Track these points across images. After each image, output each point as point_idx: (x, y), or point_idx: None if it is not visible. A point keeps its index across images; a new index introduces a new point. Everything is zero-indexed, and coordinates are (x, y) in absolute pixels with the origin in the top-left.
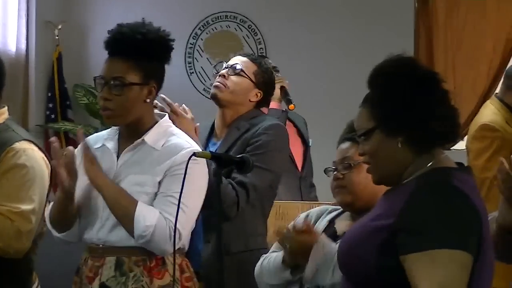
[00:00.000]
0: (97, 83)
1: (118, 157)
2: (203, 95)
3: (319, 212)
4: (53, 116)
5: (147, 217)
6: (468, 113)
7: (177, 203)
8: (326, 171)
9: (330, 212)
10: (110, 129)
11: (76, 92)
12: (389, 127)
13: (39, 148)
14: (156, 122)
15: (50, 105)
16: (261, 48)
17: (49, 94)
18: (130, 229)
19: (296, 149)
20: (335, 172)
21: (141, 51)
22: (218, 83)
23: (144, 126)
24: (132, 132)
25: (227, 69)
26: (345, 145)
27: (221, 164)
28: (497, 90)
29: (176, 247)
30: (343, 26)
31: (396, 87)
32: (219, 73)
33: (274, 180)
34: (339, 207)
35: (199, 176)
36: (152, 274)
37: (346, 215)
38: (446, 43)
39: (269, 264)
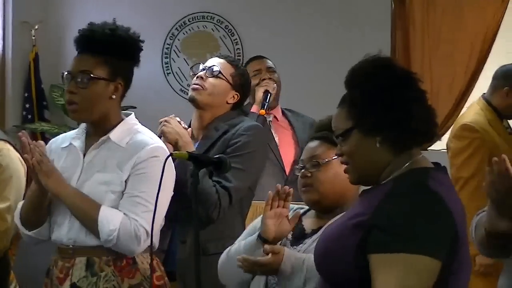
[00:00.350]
0: (65, 79)
1: (84, 155)
2: (180, 96)
3: None
4: (29, 116)
5: (110, 220)
6: (445, 113)
7: (143, 202)
8: (294, 169)
9: (296, 210)
10: (78, 128)
11: (53, 93)
12: (367, 127)
13: (15, 148)
14: (122, 120)
15: (27, 106)
16: (238, 48)
17: (26, 95)
18: (96, 234)
19: (287, 152)
20: (302, 170)
21: (109, 47)
22: (196, 85)
23: (110, 124)
24: (98, 129)
25: (204, 71)
26: (313, 143)
27: (199, 165)
28: (482, 91)
29: (144, 246)
30: (320, 27)
31: (373, 87)
32: (197, 75)
33: (253, 181)
34: (305, 206)
35: (166, 175)
36: (123, 273)
37: (312, 212)
38: (423, 44)
39: (240, 247)
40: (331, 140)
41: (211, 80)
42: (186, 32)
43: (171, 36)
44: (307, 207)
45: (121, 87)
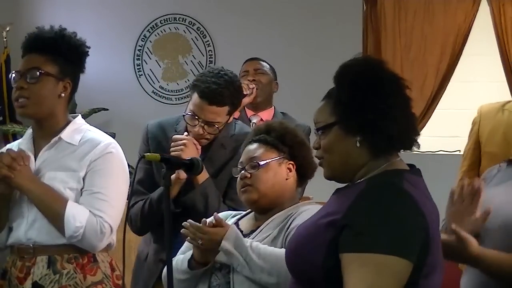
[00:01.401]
0: (12, 79)
1: (35, 157)
2: (152, 97)
3: (223, 217)
4: (1, 118)
5: (77, 217)
6: (416, 115)
7: (105, 198)
8: (233, 171)
9: (234, 216)
10: (24, 136)
11: None
12: (348, 126)
13: None
14: (70, 121)
15: None
16: (210, 50)
17: None
18: (60, 229)
19: None
20: (242, 172)
21: (56, 46)
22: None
23: (58, 125)
24: (45, 130)
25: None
26: (252, 146)
27: (171, 167)
28: (453, 94)
29: (106, 243)
30: (291, 29)
31: (361, 87)
32: None
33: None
34: (242, 211)
35: (119, 168)
36: (85, 270)
37: (250, 215)
38: (395, 46)
39: (177, 264)
40: (268, 142)
41: None
42: (158, 34)
43: (143, 38)
44: (243, 212)
45: (69, 87)
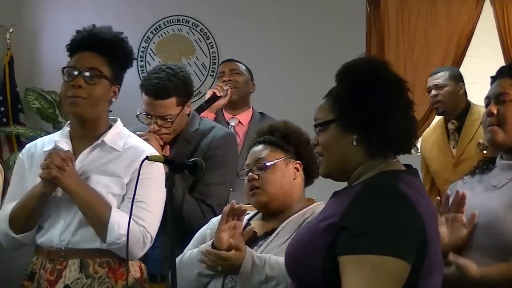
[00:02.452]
0: (67, 73)
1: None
2: None
3: None
4: (4, 120)
5: (121, 224)
6: (420, 117)
7: (147, 208)
8: (239, 174)
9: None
10: (59, 132)
11: (27, 96)
12: (346, 123)
13: None
14: (111, 125)
15: (2, 109)
16: (213, 52)
17: (1, 98)
18: (102, 235)
19: None
20: (249, 174)
21: (116, 50)
22: None
23: (101, 128)
24: (87, 132)
25: None
26: (258, 147)
27: (174, 168)
28: None
29: (144, 252)
30: (295, 30)
31: (360, 86)
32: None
33: (230, 189)
34: (250, 211)
35: (161, 178)
36: (117, 275)
37: (259, 215)
38: (398, 48)
39: (192, 257)
40: (274, 143)
41: None
42: (162, 35)
43: (146, 39)
44: (253, 212)
45: (117, 92)
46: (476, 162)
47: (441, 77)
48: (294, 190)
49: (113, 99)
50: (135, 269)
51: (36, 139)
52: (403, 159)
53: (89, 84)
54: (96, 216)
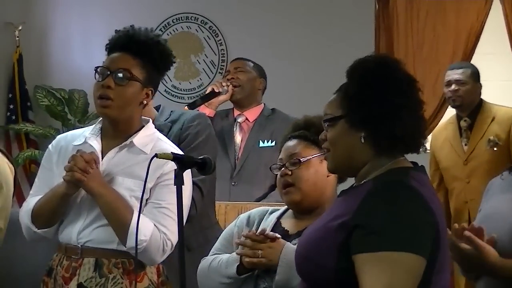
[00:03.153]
0: (99, 72)
1: (102, 156)
2: (164, 96)
3: (261, 213)
4: (13, 117)
5: (142, 230)
6: (429, 115)
7: (170, 215)
8: (271, 168)
9: (272, 212)
10: (91, 126)
11: (36, 94)
12: (353, 120)
13: (2, 152)
14: (143, 126)
15: (11, 107)
16: (222, 49)
17: (10, 95)
18: (123, 238)
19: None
20: (282, 169)
21: (150, 52)
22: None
23: (132, 129)
24: (118, 132)
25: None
26: (292, 142)
27: (183, 166)
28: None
29: (163, 259)
30: (304, 28)
31: (370, 83)
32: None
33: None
34: (278, 208)
35: (188, 185)
36: (131, 277)
37: (289, 213)
38: (407, 45)
39: (221, 266)
40: (309, 138)
41: None
42: (170, 33)
43: None
44: (283, 208)
45: (151, 94)
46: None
47: (463, 74)
48: (327, 187)
49: (145, 101)
50: (152, 271)
51: (45, 136)
52: (410, 157)
53: (119, 85)
54: (118, 219)
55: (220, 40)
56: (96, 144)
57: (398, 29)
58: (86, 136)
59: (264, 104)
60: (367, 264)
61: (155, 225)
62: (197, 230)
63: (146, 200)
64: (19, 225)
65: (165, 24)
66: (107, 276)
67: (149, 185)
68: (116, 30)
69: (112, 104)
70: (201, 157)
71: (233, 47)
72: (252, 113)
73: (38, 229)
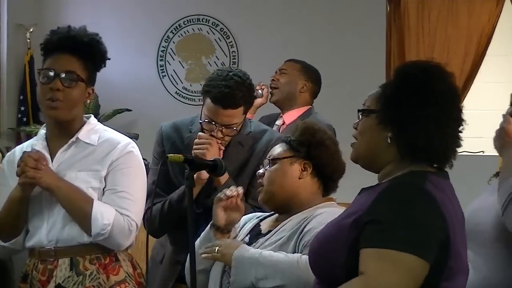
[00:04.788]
0: (43, 74)
1: (52, 159)
2: (175, 98)
3: (248, 218)
4: (25, 119)
5: (104, 215)
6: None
7: (129, 197)
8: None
9: (259, 217)
10: (36, 136)
11: None
12: (383, 118)
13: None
14: (84, 122)
15: (22, 108)
16: (233, 51)
17: (21, 97)
18: (87, 227)
19: None
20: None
21: (92, 54)
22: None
23: (75, 127)
24: (63, 132)
25: None
26: (277, 146)
27: (194, 168)
28: (476, 94)
29: (131, 241)
30: (315, 30)
31: (409, 87)
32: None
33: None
34: (270, 212)
35: (140, 167)
36: (108, 270)
37: (274, 216)
38: (418, 47)
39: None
40: (289, 142)
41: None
42: (181, 34)
43: (166, 39)
44: (268, 213)
45: (92, 93)
46: None
47: None
48: (300, 189)
49: (88, 100)
50: (127, 264)
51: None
52: None
53: (67, 87)
54: (78, 210)
55: (231, 42)
56: (44, 148)
57: (410, 30)
58: (33, 143)
59: (312, 107)
60: (369, 258)
61: (116, 209)
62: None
63: (103, 189)
64: None
65: (176, 26)
66: (84, 273)
67: (102, 173)
68: (52, 30)
69: (61, 106)
70: (212, 158)
71: (244, 48)
72: (289, 116)
73: (4, 242)
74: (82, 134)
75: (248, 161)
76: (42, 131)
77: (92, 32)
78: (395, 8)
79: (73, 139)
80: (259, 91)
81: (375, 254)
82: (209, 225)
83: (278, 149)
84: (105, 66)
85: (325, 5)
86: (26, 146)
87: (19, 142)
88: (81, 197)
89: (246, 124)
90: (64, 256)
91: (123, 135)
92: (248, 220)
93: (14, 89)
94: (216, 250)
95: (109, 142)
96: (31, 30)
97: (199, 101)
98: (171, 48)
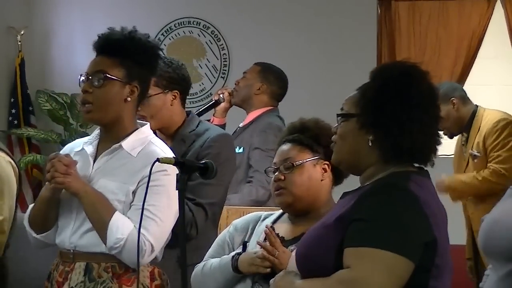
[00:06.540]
0: (81, 81)
1: (95, 161)
2: None
3: (254, 219)
4: (15, 122)
5: (120, 228)
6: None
7: (151, 216)
8: (266, 171)
9: (265, 217)
10: (92, 134)
11: (38, 98)
12: (364, 122)
13: (5, 152)
14: (137, 128)
15: (13, 111)
16: (224, 54)
17: (12, 100)
18: (103, 238)
19: None
20: (276, 173)
21: (124, 49)
22: None
23: (124, 131)
24: (111, 135)
25: None
26: (286, 146)
27: (185, 170)
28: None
29: (149, 260)
30: (306, 32)
31: (389, 90)
32: None
33: (225, 193)
34: (272, 212)
35: (171, 187)
36: (121, 280)
37: (284, 218)
38: (409, 50)
39: (214, 269)
40: (303, 142)
41: None
42: (172, 37)
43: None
44: (277, 213)
45: (136, 91)
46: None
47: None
48: (321, 192)
49: (129, 98)
50: (143, 275)
51: (47, 141)
52: None
53: (96, 87)
54: (99, 218)
55: (222, 44)
56: (90, 149)
57: (401, 33)
58: (85, 142)
59: (274, 108)
60: (352, 257)
61: (134, 226)
62: (192, 248)
63: (130, 204)
64: (22, 230)
65: (167, 29)
66: (96, 281)
67: (130, 188)
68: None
69: (92, 108)
70: (203, 161)
71: (235, 51)
72: (248, 118)
73: (37, 234)
74: (126, 142)
75: (185, 154)
76: (97, 131)
77: (129, 30)
78: (386, 11)
79: (116, 145)
80: (221, 95)
81: (355, 252)
82: (230, 262)
83: (293, 151)
84: (155, 61)
85: (316, 8)
86: (79, 144)
87: (10, 145)
88: (104, 207)
89: (192, 123)
90: (81, 260)
91: (168, 149)
92: (255, 223)
93: (5, 91)
94: (276, 253)
95: (146, 156)
96: (22, 32)
97: (190, 103)
98: (161, 51)
